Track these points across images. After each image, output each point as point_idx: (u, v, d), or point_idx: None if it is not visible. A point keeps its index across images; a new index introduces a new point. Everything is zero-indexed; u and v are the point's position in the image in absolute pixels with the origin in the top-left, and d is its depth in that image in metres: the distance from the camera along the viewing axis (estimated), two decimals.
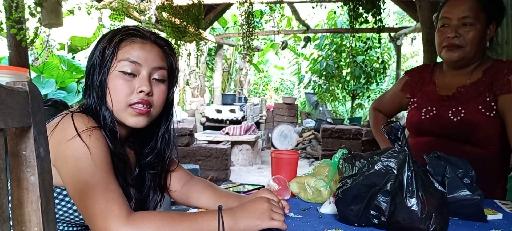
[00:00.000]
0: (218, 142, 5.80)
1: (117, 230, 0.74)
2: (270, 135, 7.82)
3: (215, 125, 7.38)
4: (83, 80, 0.99)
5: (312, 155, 6.86)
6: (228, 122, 7.24)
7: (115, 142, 0.91)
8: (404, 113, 1.54)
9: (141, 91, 0.92)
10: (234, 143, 6.08)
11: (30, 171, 0.51)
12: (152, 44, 0.96)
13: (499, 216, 1.02)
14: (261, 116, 8.15)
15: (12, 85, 0.51)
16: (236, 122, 7.16)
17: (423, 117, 1.42)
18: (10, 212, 0.53)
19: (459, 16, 1.32)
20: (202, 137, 6.09)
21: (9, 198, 0.53)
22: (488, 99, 1.32)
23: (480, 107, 1.31)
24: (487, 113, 1.30)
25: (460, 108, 1.34)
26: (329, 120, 7.93)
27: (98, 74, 0.92)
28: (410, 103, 1.52)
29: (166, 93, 0.99)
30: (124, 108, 0.92)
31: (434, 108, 1.40)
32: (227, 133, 6.18)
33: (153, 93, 0.95)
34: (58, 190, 0.89)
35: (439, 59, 1.51)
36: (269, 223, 0.84)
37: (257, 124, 7.75)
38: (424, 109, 1.43)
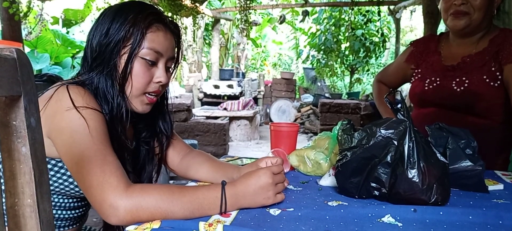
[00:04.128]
0: (216, 117, 5.78)
1: (115, 202, 0.73)
2: (268, 110, 7.81)
3: (213, 100, 7.36)
4: (79, 55, 0.97)
5: (310, 130, 6.87)
6: (226, 97, 7.22)
7: (118, 126, 0.90)
8: (408, 85, 1.51)
9: (159, 82, 0.93)
10: (232, 118, 6.07)
11: (21, 141, 0.49)
12: (171, 34, 0.96)
13: (500, 186, 1.02)
14: (259, 91, 8.12)
15: None
16: (234, 97, 7.14)
17: (426, 88, 1.40)
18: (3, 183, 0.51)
19: None
20: (200, 112, 6.07)
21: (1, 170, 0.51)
22: (493, 69, 1.29)
23: (484, 77, 1.30)
24: (491, 84, 1.29)
25: (464, 78, 1.32)
26: (327, 95, 7.91)
27: (117, 53, 0.89)
28: (414, 74, 1.50)
29: (170, 79, 1.00)
30: (139, 95, 0.93)
31: (438, 79, 1.38)
32: (225, 108, 6.16)
33: None
34: (53, 162, 0.88)
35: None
36: (274, 201, 0.84)
37: (255, 99, 7.73)
38: (428, 80, 1.41)
